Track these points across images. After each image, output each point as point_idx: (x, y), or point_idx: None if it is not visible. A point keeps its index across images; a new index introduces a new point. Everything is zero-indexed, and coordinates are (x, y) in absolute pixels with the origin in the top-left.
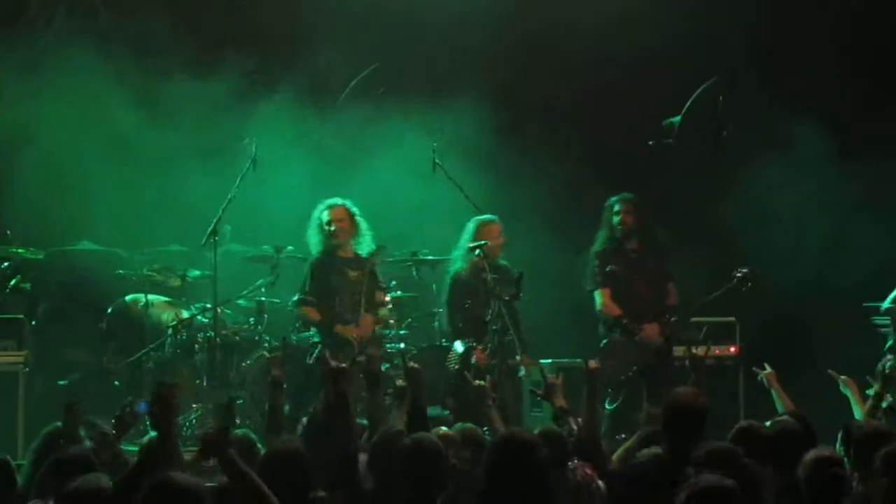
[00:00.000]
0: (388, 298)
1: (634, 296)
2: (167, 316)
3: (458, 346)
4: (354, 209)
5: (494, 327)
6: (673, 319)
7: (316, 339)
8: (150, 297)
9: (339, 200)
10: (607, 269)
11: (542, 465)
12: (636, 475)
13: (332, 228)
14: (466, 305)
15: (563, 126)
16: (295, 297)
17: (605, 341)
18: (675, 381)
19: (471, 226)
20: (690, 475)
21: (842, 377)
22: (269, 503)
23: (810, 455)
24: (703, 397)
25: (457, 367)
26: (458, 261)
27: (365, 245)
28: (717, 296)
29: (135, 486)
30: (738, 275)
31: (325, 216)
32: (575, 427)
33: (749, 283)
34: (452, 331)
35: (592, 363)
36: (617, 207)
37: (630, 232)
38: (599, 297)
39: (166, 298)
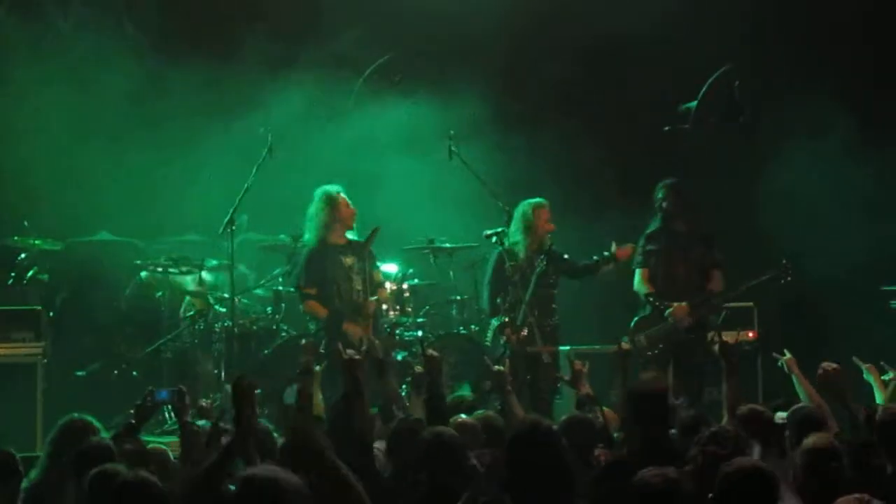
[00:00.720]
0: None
1: (672, 276)
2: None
3: (494, 323)
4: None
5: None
6: (709, 303)
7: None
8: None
9: (340, 189)
10: (648, 248)
11: (562, 453)
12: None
13: (333, 216)
14: (506, 290)
15: (576, 111)
16: (292, 288)
17: (635, 318)
18: (706, 365)
19: (519, 209)
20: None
21: (865, 365)
22: (355, 494)
23: (808, 443)
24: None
25: (488, 343)
26: (497, 247)
27: (355, 232)
28: (756, 283)
29: (216, 480)
30: (782, 267)
31: (341, 201)
32: (599, 415)
33: (789, 276)
34: (490, 308)
35: (624, 344)
36: (660, 192)
37: (671, 215)
38: (637, 276)
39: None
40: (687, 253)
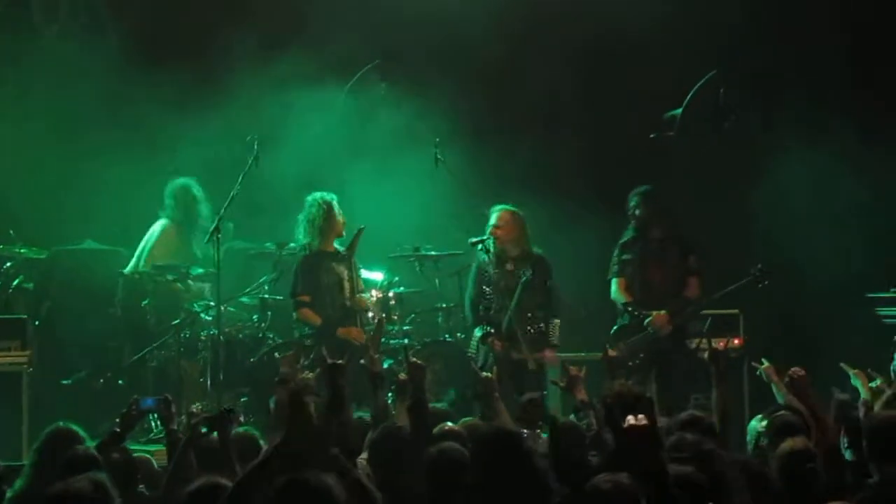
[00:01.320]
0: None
1: (648, 284)
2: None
3: (478, 333)
4: (337, 208)
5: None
6: (687, 310)
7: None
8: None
9: (330, 196)
10: (623, 257)
11: (526, 457)
12: None
13: (323, 224)
14: (487, 295)
15: (564, 119)
16: (283, 296)
17: (615, 327)
18: (689, 373)
19: (490, 215)
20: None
21: (853, 371)
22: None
23: (785, 447)
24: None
25: (473, 353)
26: (480, 254)
27: (340, 240)
28: (730, 291)
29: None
30: (755, 272)
31: (336, 209)
32: (594, 421)
33: (765, 281)
34: (472, 318)
35: (611, 350)
36: (633, 200)
37: (645, 223)
38: (614, 286)
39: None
40: (662, 260)
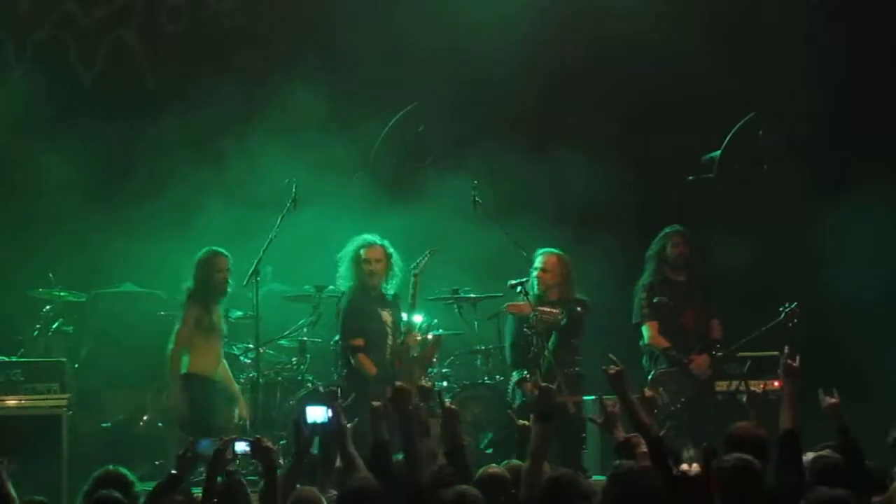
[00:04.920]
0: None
1: (682, 327)
2: None
3: (515, 376)
4: (391, 250)
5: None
6: (719, 354)
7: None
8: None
9: (377, 239)
10: (654, 300)
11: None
12: None
13: (372, 268)
14: (525, 337)
15: (602, 159)
16: (337, 338)
17: (651, 373)
18: (719, 417)
19: (535, 258)
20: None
21: None
22: None
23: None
24: (762, 429)
25: (509, 397)
26: (520, 297)
27: (392, 286)
28: (763, 331)
29: None
30: (786, 310)
31: (364, 254)
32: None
33: (795, 319)
34: (512, 361)
35: (648, 391)
36: (671, 238)
37: (682, 264)
38: (647, 331)
39: None
40: (691, 303)
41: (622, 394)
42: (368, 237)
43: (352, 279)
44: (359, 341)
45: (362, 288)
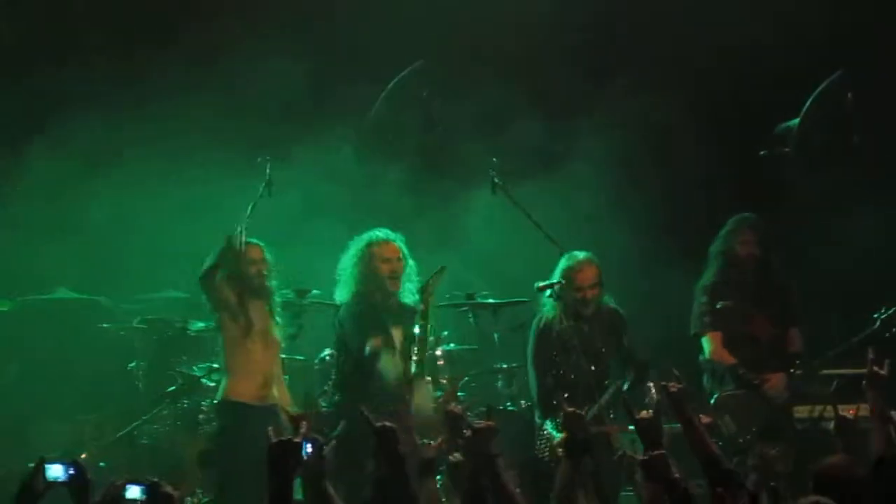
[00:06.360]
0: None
1: (753, 339)
2: None
3: (549, 428)
4: (405, 249)
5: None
6: (799, 371)
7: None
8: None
9: (391, 235)
10: (718, 306)
11: None
12: None
13: (393, 267)
14: (556, 365)
15: (656, 141)
16: (328, 353)
17: (715, 395)
18: (799, 450)
19: (560, 263)
20: None
21: None
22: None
23: None
24: (859, 466)
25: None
26: (545, 305)
27: (408, 293)
28: (854, 343)
29: None
30: (882, 317)
31: (378, 252)
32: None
33: (894, 328)
34: (540, 402)
35: (704, 418)
36: (739, 232)
37: (754, 262)
38: (708, 343)
39: None
40: (765, 308)
41: (685, 417)
42: (379, 232)
43: (357, 283)
44: (378, 341)
45: (370, 294)
